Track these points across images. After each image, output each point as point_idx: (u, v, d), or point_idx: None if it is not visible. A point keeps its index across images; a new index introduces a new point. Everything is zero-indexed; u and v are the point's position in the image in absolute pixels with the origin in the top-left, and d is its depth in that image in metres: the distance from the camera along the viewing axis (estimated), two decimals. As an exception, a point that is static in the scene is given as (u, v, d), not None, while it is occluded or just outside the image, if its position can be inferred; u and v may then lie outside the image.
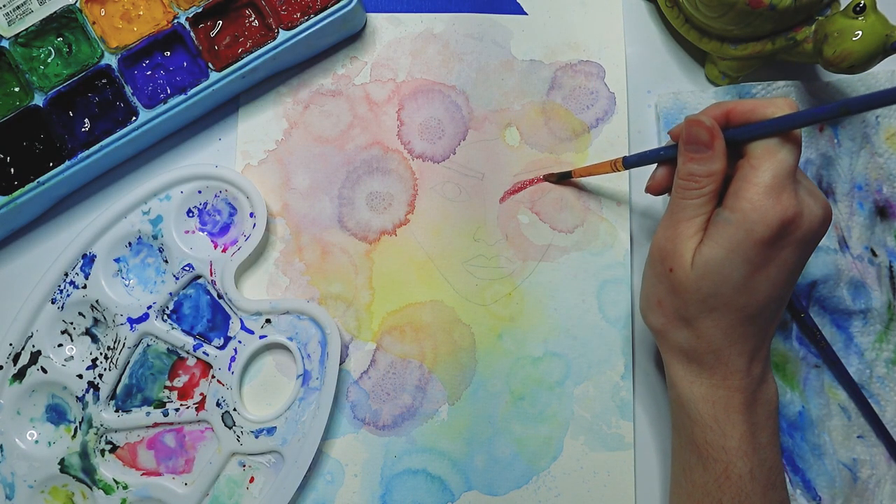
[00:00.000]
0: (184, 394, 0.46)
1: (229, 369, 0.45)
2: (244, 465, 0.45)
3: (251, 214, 0.46)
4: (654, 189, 0.41)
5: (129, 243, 0.47)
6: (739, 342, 0.37)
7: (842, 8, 0.42)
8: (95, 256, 0.46)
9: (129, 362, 0.46)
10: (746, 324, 0.36)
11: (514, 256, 0.48)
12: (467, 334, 0.47)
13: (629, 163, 0.43)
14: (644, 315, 0.41)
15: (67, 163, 0.46)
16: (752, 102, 0.36)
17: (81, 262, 0.46)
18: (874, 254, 0.47)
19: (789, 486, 0.44)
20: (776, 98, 0.36)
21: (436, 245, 0.48)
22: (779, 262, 0.35)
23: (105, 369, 0.45)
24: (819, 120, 0.33)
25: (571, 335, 0.47)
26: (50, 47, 0.47)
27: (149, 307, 0.46)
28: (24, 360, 0.45)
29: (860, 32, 0.40)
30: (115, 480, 0.45)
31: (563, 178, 0.48)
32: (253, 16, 0.47)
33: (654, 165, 0.41)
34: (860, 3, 0.40)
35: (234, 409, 0.45)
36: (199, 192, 0.47)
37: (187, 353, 0.46)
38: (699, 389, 0.38)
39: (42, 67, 0.47)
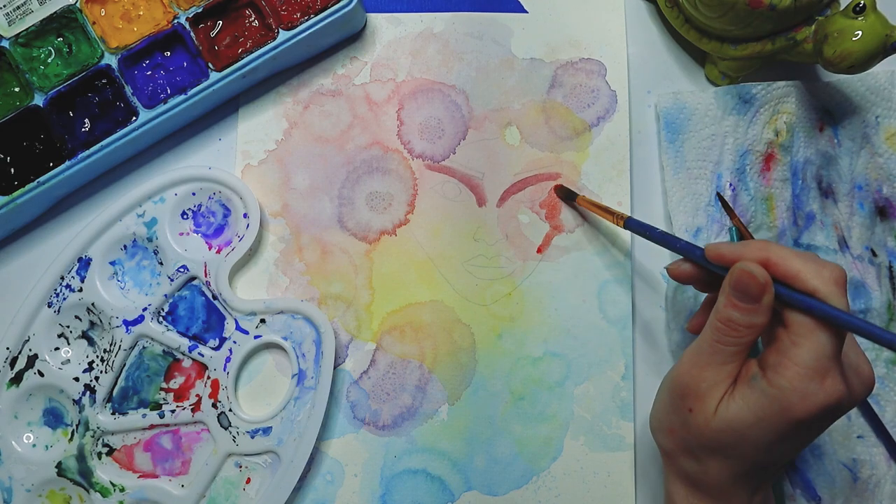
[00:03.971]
0: (180, 395, 0.46)
1: (224, 370, 0.45)
2: (240, 466, 0.45)
3: (245, 215, 0.46)
4: (675, 276, 0.39)
5: (125, 246, 0.47)
6: (746, 483, 0.35)
7: (842, 8, 0.42)
8: (91, 259, 0.46)
9: (125, 365, 0.46)
10: (757, 471, 0.35)
11: (514, 256, 0.47)
12: (467, 334, 0.47)
13: (630, 226, 0.42)
14: (653, 432, 0.39)
15: (67, 163, 0.45)
16: (798, 262, 0.33)
17: (77, 265, 0.46)
18: (874, 254, 0.47)
19: (789, 486, 0.44)
20: (825, 265, 0.33)
21: (436, 245, 0.48)
22: (810, 435, 0.34)
23: (101, 372, 0.45)
24: (875, 341, 0.31)
25: (571, 335, 0.47)
26: (50, 47, 0.47)
27: (144, 309, 0.46)
28: (20, 363, 0.45)
29: (860, 32, 0.40)
30: (112, 483, 0.44)
31: (569, 198, 0.47)
32: (253, 16, 0.47)
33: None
34: (860, 3, 0.41)
35: (230, 410, 0.45)
36: (193, 193, 0.47)
37: (183, 354, 0.46)
38: None
39: (42, 67, 0.46)
